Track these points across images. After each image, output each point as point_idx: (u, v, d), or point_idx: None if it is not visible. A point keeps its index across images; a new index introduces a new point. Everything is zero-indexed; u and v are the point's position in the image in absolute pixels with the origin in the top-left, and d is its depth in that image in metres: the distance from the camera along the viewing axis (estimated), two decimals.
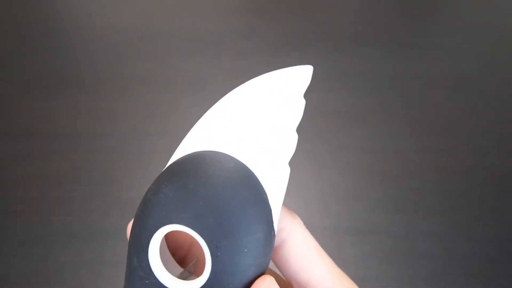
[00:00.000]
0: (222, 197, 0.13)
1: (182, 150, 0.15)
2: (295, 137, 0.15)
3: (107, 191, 0.43)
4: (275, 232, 0.14)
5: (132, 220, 0.14)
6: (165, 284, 0.13)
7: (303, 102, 0.16)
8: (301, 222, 0.17)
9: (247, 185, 0.13)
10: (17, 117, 0.50)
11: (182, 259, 0.18)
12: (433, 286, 0.36)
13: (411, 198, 0.43)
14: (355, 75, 0.55)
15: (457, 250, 0.39)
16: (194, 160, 0.14)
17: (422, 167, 0.45)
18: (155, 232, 0.13)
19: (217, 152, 0.14)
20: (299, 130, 0.16)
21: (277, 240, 0.16)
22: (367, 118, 0.50)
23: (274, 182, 0.14)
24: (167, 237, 0.16)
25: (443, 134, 0.48)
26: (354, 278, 0.16)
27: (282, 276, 0.17)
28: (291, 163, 0.16)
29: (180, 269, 0.16)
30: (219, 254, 0.12)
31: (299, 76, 0.16)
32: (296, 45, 0.58)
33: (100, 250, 0.38)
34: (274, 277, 0.14)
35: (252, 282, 0.14)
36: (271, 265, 0.15)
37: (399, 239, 0.39)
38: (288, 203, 0.44)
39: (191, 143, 0.15)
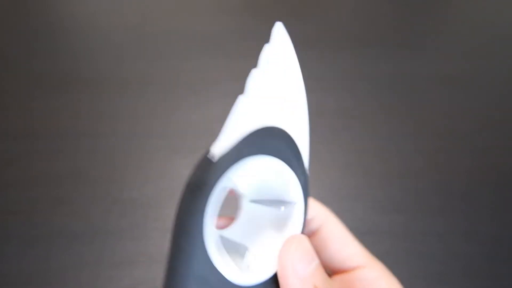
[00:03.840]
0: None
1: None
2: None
3: (107, 191, 0.43)
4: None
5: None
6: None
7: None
8: (331, 212, 0.19)
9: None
10: (17, 117, 0.50)
11: None
12: (433, 286, 0.36)
13: (411, 198, 0.43)
14: (355, 75, 0.55)
15: (457, 250, 0.39)
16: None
17: (422, 167, 0.45)
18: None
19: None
20: None
21: (314, 225, 0.19)
22: (367, 118, 0.50)
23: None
24: None
25: (443, 134, 0.48)
26: None
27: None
28: None
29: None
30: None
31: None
32: (296, 45, 0.58)
33: (100, 250, 0.38)
34: None
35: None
36: None
37: (399, 239, 0.39)
38: None
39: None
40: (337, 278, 0.18)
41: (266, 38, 0.19)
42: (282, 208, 0.17)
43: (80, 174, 0.44)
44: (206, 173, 0.15)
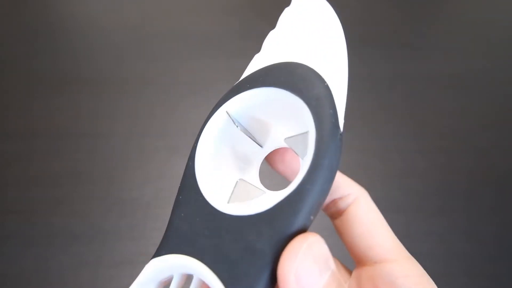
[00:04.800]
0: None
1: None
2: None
3: (107, 191, 0.43)
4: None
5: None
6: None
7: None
8: (368, 193, 0.17)
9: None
10: (17, 117, 0.50)
11: None
12: None
13: (411, 198, 0.43)
14: (355, 75, 0.55)
15: (457, 250, 0.39)
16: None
17: (422, 167, 0.45)
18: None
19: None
20: None
21: (343, 204, 0.16)
22: (367, 118, 0.50)
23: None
24: None
25: (443, 134, 0.48)
26: None
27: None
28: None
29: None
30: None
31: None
32: None
33: (100, 250, 0.38)
34: None
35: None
36: None
37: (399, 239, 0.39)
38: None
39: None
40: (362, 271, 0.15)
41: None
42: (284, 138, 0.16)
43: (80, 174, 0.44)
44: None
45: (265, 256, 0.13)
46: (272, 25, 0.19)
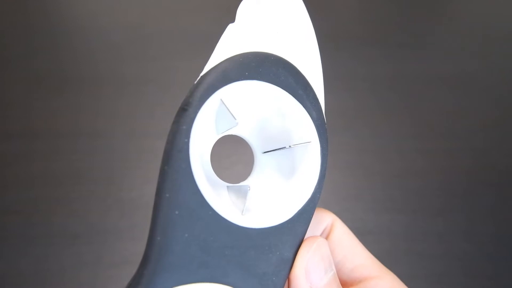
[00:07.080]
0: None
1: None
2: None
3: (107, 191, 0.43)
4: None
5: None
6: None
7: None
8: (336, 216, 0.18)
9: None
10: (17, 117, 0.50)
11: None
12: (433, 286, 0.36)
13: (411, 198, 0.43)
14: (355, 75, 0.55)
15: (457, 250, 0.39)
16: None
17: (422, 167, 0.45)
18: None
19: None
20: None
21: (319, 231, 0.17)
22: (367, 118, 0.50)
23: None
24: None
25: (443, 134, 0.48)
26: None
27: None
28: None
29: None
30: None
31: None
32: None
33: (100, 250, 0.38)
34: None
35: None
36: None
37: (399, 239, 0.39)
38: None
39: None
40: None
41: None
42: (288, 146, 0.15)
43: (80, 174, 0.44)
44: (190, 94, 0.14)
45: (291, 262, 0.14)
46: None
